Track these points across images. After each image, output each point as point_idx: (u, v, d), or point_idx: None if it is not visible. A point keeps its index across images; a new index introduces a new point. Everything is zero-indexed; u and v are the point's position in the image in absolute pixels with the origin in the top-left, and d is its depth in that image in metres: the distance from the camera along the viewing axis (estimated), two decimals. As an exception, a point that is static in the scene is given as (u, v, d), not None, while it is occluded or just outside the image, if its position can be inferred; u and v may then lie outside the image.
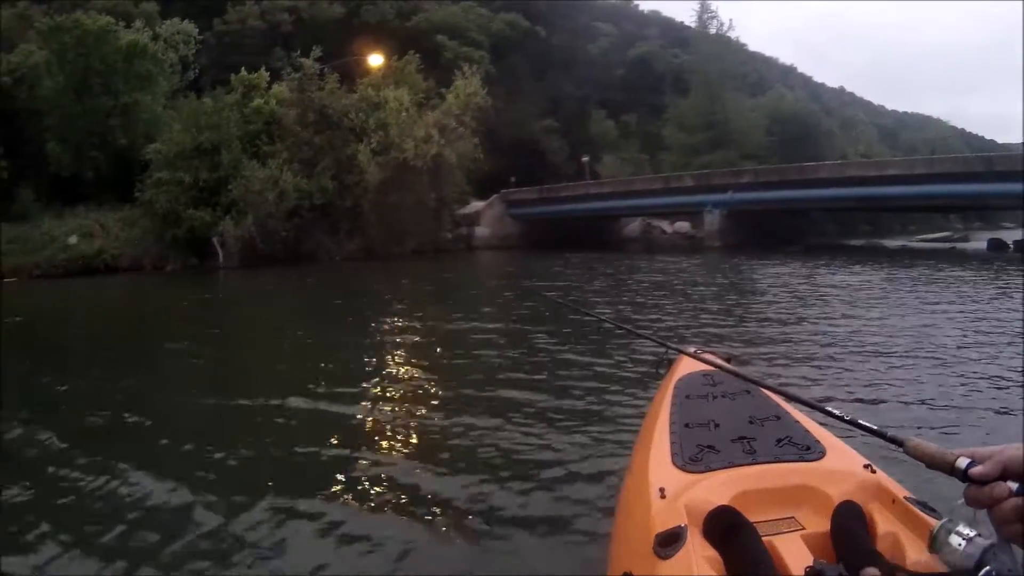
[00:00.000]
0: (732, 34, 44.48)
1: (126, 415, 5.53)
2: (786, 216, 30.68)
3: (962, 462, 0.92)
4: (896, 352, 6.68)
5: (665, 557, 1.44)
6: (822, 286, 13.24)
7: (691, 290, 13.48)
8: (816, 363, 6.36)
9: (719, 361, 2.44)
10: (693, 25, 46.01)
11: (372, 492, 3.73)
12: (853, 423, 1.28)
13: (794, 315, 9.49)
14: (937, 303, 10.21)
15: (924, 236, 35.28)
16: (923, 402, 4.95)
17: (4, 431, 5.11)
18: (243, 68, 31.02)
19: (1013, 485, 0.87)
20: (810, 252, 23.07)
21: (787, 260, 19.29)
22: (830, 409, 1.36)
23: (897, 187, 23.86)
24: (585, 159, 37.81)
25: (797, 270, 16.59)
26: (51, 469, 4.24)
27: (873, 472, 1.68)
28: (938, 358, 6.39)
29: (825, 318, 9.19)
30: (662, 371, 2.89)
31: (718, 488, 1.65)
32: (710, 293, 13.07)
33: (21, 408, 5.89)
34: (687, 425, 2.03)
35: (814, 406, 1.43)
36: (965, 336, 7.40)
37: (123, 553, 3.09)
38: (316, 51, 29.45)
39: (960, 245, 27.35)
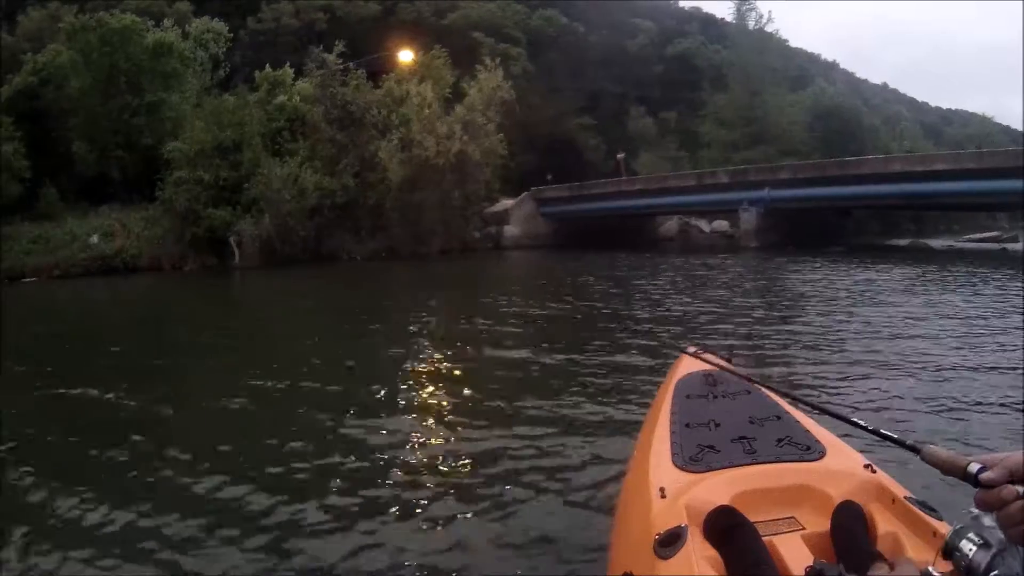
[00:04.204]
0: (771, 27, 43.68)
1: (136, 418, 5.61)
2: (827, 215, 29.93)
3: (973, 467, 0.97)
4: (933, 362, 6.49)
5: (665, 557, 1.44)
6: (861, 291, 12.66)
7: (710, 292, 13.20)
8: (844, 372, 6.19)
9: (721, 362, 2.43)
10: (732, 20, 45.41)
11: (374, 491, 3.76)
12: (875, 432, 1.33)
13: (819, 321, 9.22)
14: (985, 311, 9.72)
15: (971, 236, 34.13)
16: (950, 411, 4.84)
17: (12, 433, 5.19)
18: (267, 65, 31.19)
19: (1020, 488, 0.92)
20: (852, 253, 22.46)
21: (826, 261, 18.74)
22: (857, 420, 1.40)
23: (944, 183, 23.04)
24: (620, 156, 37.41)
25: (835, 273, 16.01)
26: (58, 470, 4.32)
27: (873, 472, 1.68)
28: (974, 367, 6.20)
29: (854, 325, 8.87)
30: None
31: (718, 488, 1.66)
32: (729, 296, 12.73)
33: (30, 409, 6.05)
34: (687, 425, 2.03)
35: (838, 415, 1.45)
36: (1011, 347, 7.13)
37: (136, 553, 3.15)
38: (339, 46, 29.51)
39: (1010, 246, 26.37)
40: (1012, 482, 0.92)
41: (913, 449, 1.17)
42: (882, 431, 1.32)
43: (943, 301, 10.73)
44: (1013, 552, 0.93)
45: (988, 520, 0.96)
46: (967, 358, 6.52)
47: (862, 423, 1.40)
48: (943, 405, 4.98)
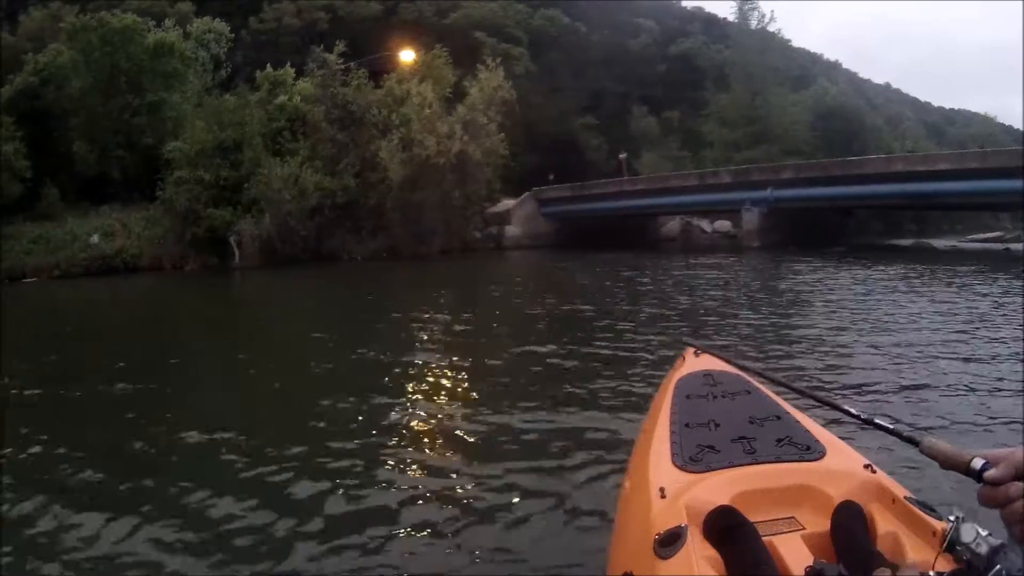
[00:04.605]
0: (773, 27, 43.64)
1: (138, 416, 5.60)
2: (830, 215, 29.83)
3: (977, 463, 0.96)
4: (936, 359, 6.48)
5: (665, 557, 1.44)
6: (865, 292, 12.47)
7: (711, 292, 13.15)
8: (846, 371, 6.19)
9: (721, 362, 2.43)
10: (734, 20, 45.40)
11: (373, 493, 3.76)
12: (869, 422, 1.32)
13: (821, 321, 9.15)
14: (989, 310, 9.61)
15: (974, 236, 34.02)
16: (953, 406, 4.85)
17: (15, 430, 5.19)
18: (268, 65, 31.14)
19: None
20: (854, 253, 22.38)
21: (828, 262, 18.63)
22: (848, 408, 1.39)
23: (948, 183, 22.93)
24: (622, 156, 37.38)
25: (837, 273, 15.87)
26: (62, 467, 4.34)
27: (873, 472, 1.68)
28: (977, 365, 6.19)
29: (857, 325, 8.80)
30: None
31: (718, 488, 1.65)
32: (730, 295, 12.72)
33: (31, 412, 6.02)
34: (687, 425, 2.02)
35: (832, 404, 1.44)
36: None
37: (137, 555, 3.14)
38: (339, 46, 29.47)
39: (1014, 246, 26.28)
40: (1017, 479, 0.91)
41: (911, 441, 1.15)
42: (876, 420, 1.30)
43: (947, 301, 10.69)
44: (1014, 547, 0.92)
45: (968, 529, 0.95)
46: (971, 356, 6.51)
47: (854, 411, 1.39)
48: (946, 401, 5.01)
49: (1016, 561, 0.92)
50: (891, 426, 1.27)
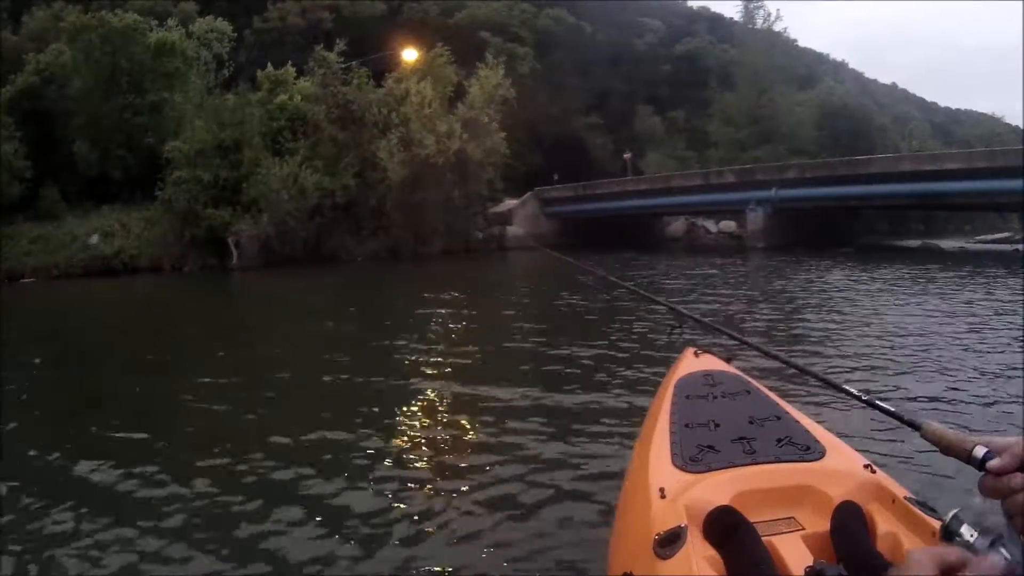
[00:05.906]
0: (779, 26, 43.60)
1: (135, 422, 5.54)
2: (836, 215, 29.68)
3: (979, 451, 0.94)
4: (941, 360, 6.45)
5: (665, 557, 1.44)
6: (873, 293, 12.37)
7: (714, 293, 13.10)
8: (850, 372, 6.14)
9: (721, 362, 2.43)
10: (740, 19, 45.38)
11: (378, 491, 3.75)
12: (870, 403, 1.30)
13: (824, 323, 9.07)
14: (997, 310, 9.50)
15: (982, 237, 33.88)
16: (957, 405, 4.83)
17: (14, 436, 5.19)
18: (268, 64, 31.17)
19: None
20: (860, 254, 22.27)
21: (834, 263, 18.45)
22: (847, 387, 1.38)
23: (955, 182, 22.80)
24: (627, 155, 37.38)
25: (843, 274, 15.69)
26: (60, 470, 4.34)
27: (873, 472, 1.67)
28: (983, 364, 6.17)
29: (861, 326, 8.78)
30: (675, 335, 2.95)
31: (718, 488, 1.65)
32: (733, 296, 12.63)
33: (31, 413, 6.05)
34: (687, 425, 2.02)
35: (830, 383, 1.44)
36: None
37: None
38: (339, 44, 29.42)
39: (1022, 247, 26.13)
40: (1020, 470, 0.89)
41: (912, 424, 1.12)
42: (876, 402, 1.28)
43: (953, 301, 10.65)
44: (1013, 539, 0.90)
45: (965, 520, 0.93)
46: (975, 354, 6.51)
47: (854, 391, 1.37)
48: (949, 393, 5.04)
49: (1015, 553, 0.88)
50: (892, 408, 1.25)
